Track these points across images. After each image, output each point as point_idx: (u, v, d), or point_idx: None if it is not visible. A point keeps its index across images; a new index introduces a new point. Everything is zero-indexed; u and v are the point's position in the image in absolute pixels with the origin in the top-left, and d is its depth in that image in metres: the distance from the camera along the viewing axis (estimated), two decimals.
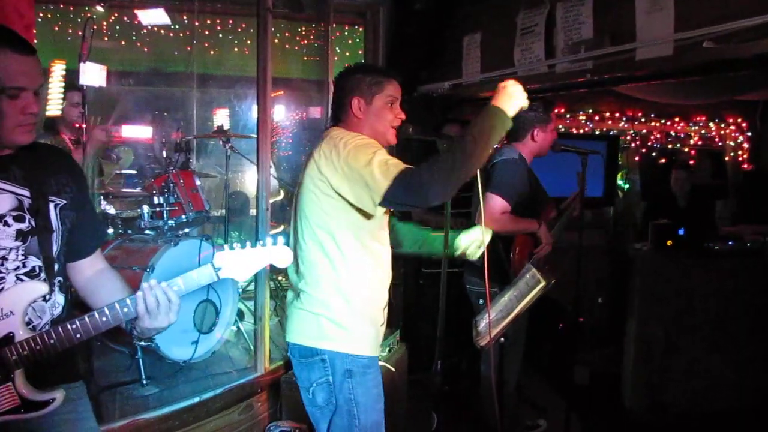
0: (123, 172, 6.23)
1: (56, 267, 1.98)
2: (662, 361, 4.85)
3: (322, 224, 2.50)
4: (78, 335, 1.84)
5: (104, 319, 1.85)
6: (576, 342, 5.06)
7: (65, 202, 2.01)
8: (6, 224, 1.87)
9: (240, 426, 4.01)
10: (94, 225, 2.19)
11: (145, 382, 4.04)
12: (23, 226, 1.90)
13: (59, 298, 2.00)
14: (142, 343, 1.95)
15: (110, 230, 4.73)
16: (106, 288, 2.10)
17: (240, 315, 4.97)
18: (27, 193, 1.92)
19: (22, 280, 1.88)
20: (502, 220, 3.71)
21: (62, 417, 1.95)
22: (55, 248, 1.97)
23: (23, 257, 1.89)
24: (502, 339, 3.25)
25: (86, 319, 1.84)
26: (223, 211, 5.81)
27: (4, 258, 1.86)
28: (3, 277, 1.86)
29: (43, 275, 1.93)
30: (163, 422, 3.62)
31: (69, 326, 1.83)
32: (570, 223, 4.16)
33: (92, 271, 2.16)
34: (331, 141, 2.46)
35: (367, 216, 2.48)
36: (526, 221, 3.82)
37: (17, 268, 1.88)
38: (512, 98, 2.38)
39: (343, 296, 2.51)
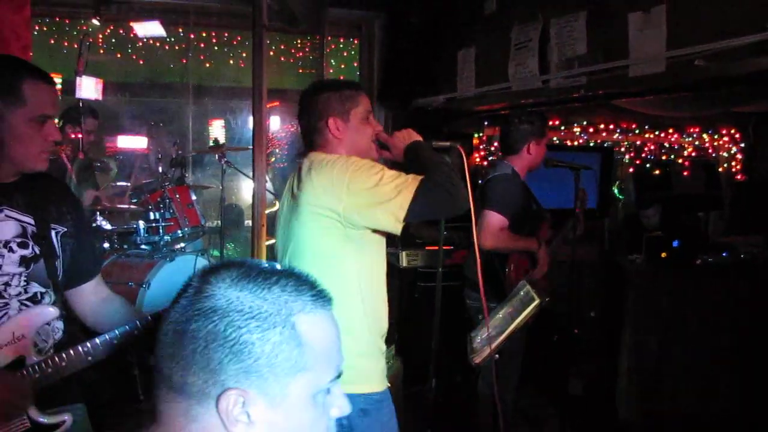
0: (116, 183, 6.24)
1: (59, 293, 2.00)
2: (656, 371, 4.86)
3: (320, 259, 2.34)
4: (90, 357, 1.86)
5: (116, 341, 1.88)
6: (570, 353, 5.07)
7: (66, 229, 2.04)
8: (11, 250, 1.89)
9: None
10: (92, 251, 2.23)
11: (141, 398, 4.04)
12: (26, 252, 1.92)
13: (59, 323, 2.02)
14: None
15: (106, 245, 4.73)
16: (116, 313, 2.12)
17: None
18: (30, 220, 1.94)
19: (26, 306, 1.90)
20: (502, 237, 3.69)
21: None
22: (58, 275, 1.99)
23: (25, 283, 1.91)
24: (497, 356, 3.26)
25: (97, 341, 1.87)
26: (218, 221, 5.83)
27: (7, 284, 1.88)
28: (7, 303, 1.87)
29: (47, 299, 1.95)
30: None
31: (81, 349, 1.85)
32: (566, 240, 4.15)
33: (98, 298, 2.18)
34: (322, 170, 2.32)
35: (372, 242, 2.38)
36: (526, 240, 3.80)
37: (19, 294, 1.90)
38: (409, 135, 2.46)
39: (353, 336, 2.30)
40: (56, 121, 4.85)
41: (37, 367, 1.82)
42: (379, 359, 2.47)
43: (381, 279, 2.49)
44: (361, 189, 2.22)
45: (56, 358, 1.83)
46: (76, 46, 4.94)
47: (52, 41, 7.00)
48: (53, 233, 2.00)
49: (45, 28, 6.93)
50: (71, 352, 1.84)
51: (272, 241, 5.15)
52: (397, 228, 2.24)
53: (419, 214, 2.22)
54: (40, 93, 1.85)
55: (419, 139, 2.43)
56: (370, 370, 2.41)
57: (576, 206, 3.97)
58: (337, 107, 2.45)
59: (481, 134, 6.77)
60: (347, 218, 2.26)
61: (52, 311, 1.91)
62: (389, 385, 2.52)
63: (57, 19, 7.02)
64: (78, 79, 4.73)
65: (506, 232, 3.72)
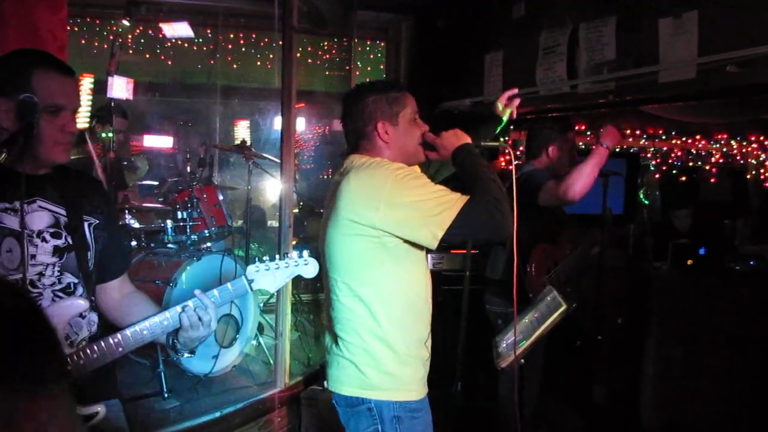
0: (143, 182, 6.30)
1: (91, 285, 2.03)
2: (681, 381, 4.83)
3: (356, 268, 2.32)
4: (120, 348, 1.89)
5: (146, 332, 1.91)
6: (594, 360, 5.03)
7: (98, 221, 2.07)
8: (44, 240, 1.92)
9: None
10: (122, 247, 2.27)
11: (166, 395, 4.08)
12: (60, 242, 1.95)
13: (93, 316, 2.05)
14: (184, 353, 2.00)
15: (133, 243, 4.78)
16: (140, 309, 2.13)
17: (260, 329, 5.00)
18: (63, 212, 1.97)
19: (59, 296, 1.93)
20: (570, 179, 3.40)
21: None
22: (90, 266, 2.02)
23: (59, 273, 1.94)
24: (522, 361, 3.25)
25: (128, 332, 1.89)
26: (242, 222, 5.86)
27: (41, 274, 1.91)
28: (40, 293, 1.90)
29: (79, 291, 1.98)
30: None
31: (111, 340, 1.87)
32: (586, 256, 4.11)
33: (121, 294, 2.20)
34: (365, 176, 2.28)
35: (409, 250, 2.33)
36: (591, 157, 3.43)
37: (53, 284, 1.93)
38: (456, 136, 2.40)
39: (385, 343, 2.34)
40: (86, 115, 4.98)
41: (68, 359, 1.84)
42: (418, 368, 2.44)
43: (420, 286, 2.46)
44: (402, 202, 2.18)
45: (87, 350, 1.86)
46: (106, 46, 4.99)
47: (83, 41, 7.09)
48: (86, 224, 2.03)
49: (76, 29, 7.01)
50: (102, 343, 1.86)
51: (294, 242, 5.22)
52: (432, 245, 2.21)
53: (458, 235, 2.19)
54: (51, 83, 1.86)
55: (468, 141, 2.38)
56: (407, 378, 2.39)
57: (607, 225, 3.94)
58: (385, 111, 2.40)
59: (506, 138, 6.75)
60: (383, 228, 2.23)
61: (83, 303, 1.94)
62: (427, 393, 2.49)
63: (88, 20, 7.10)
64: (110, 79, 4.79)
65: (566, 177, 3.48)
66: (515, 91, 2.98)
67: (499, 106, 2.94)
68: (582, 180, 3.35)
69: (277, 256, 2.03)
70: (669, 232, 5.82)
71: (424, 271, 2.48)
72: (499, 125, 2.92)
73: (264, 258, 2.02)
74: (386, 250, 2.28)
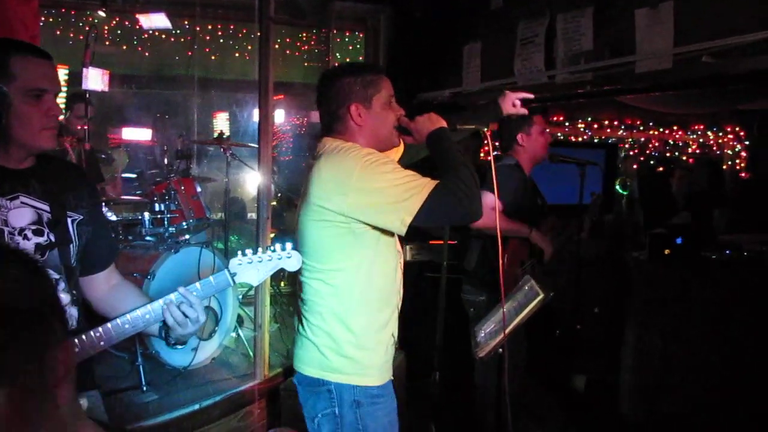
0: (123, 175, 6.26)
1: (73, 279, 2.01)
2: (659, 368, 4.87)
3: (325, 252, 2.31)
4: (102, 342, 1.85)
5: (127, 326, 1.87)
6: (573, 349, 5.07)
7: (81, 217, 2.04)
8: (25, 237, 1.89)
9: None
10: (108, 239, 2.23)
11: (145, 388, 4.07)
12: (41, 240, 1.92)
13: (73, 310, 2.02)
14: (176, 344, 1.99)
15: (112, 235, 4.74)
16: (129, 300, 2.10)
17: (240, 321, 4.99)
18: (46, 208, 1.94)
19: None
20: (491, 216, 3.61)
21: None
22: (72, 261, 1.99)
23: None
24: (500, 350, 3.26)
25: (109, 325, 1.86)
26: (221, 214, 5.83)
27: None
28: None
29: (61, 286, 1.95)
30: (163, 429, 3.65)
31: (93, 334, 1.84)
32: (571, 240, 4.13)
33: (109, 285, 2.17)
34: (334, 161, 2.26)
35: (379, 237, 2.31)
36: (518, 224, 3.73)
37: None
38: (430, 120, 2.38)
39: (347, 327, 2.33)
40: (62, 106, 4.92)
41: None
42: (380, 353, 2.43)
43: (389, 273, 2.44)
44: (370, 188, 2.16)
45: None
46: (81, 37, 4.93)
47: (59, 32, 7.01)
48: (69, 220, 2.00)
49: (51, 19, 6.94)
50: (83, 337, 1.83)
51: (272, 235, 5.20)
52: (401, 231, 2.19)
53: (427, 220, 2.16)
54: (30, 66, 1.82)
55: (442, 125, 2.36)
56: (367, 364, 2.38)
57: (593, 213, 3.96)
58: (359, 93, 2.35)
59: (486, 129, 6.76)
60: (351, 214, 2.21)
61: (63, 297, 1.92)
62: (390, 379, 2.49)
63: (63, 11, 7.03)
64: (84, 70, 4.73)
65: (499, 213, 3.64)
66: (531, 96, 2.98)
67: (508, 102, 2.91)
68: (490, 226, 3.26)
69: (260, 249, 2.00)
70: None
71: (394, 258, 2.47)
72: (493, 116, 2.90)
73: (247, 251, 1.98)
74: (355, 236, 2.26)
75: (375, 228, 2.27)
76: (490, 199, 3.66)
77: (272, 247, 2.01)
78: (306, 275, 2.38)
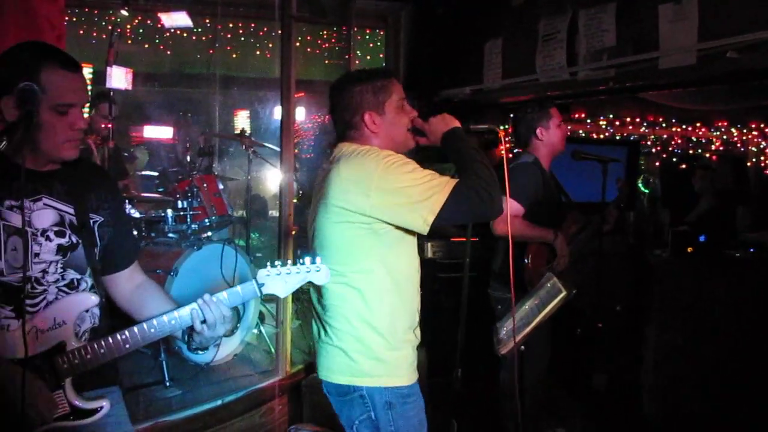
0: (143, 173, 6.31)
1: (97, 279, 2.04)
2: (681, 368, 4.84)
3: (347, 254, 2.31)
4: (127, 345, 1.89)
5: (153, 330, 1.91)
6: (594, 348, 5.04)
7: (103, 219, 2.06)
8: (48, 239, 1.92)
9: (261, 429, 4.05)
10: (130, 238, 2.26)
11: (168, 383, 4.09)
12: (63, 241, 1.94)
13: (96, 309, 2.04)
14: (198, 349, 2.02)
15: (134, 233, 4.78)
16: (153, 300, 2.13)
17: (261, 318, 5.01)
18: (70, 209, 1.97)
19: (64, 292, 1.94)
20: (515, 224, 3.64)
21: (102, 420, 1.99)
22: (95, 262, 2.02)
23: (62, 270, 1.94)
24: (523, 347, 3.25)
25: (135, 329, 1.89)
26: (243, 212, 5.85)
27: (45, 271, 1.91)
28: (45, 289, 1.91)
29: (83, 285, 1.99)
30: (186, 424, 3.67)
31: (119, 336, 1.88)
32: (597, 234, 4.10)
33: (132, 285, 2.20)
34: (354, 163, 2.27)
35: (401, 237, 2.33)
36: (542, 230, 3.73)
37: (57, 280, 1.93)
38: (444, 120, 2.39)
39: (375, 329, 2.34)
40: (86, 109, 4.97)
41: (76, 352, 1.86)
42: (408, 353, 2.44)
43: (411, 272, 2.46)
44: (392, 188, 2.17)
45: (95, 345, 1.86)
46: (105, 36, 4.97)
47: (82, 32, 7.07)
48: (91, 222, 2.02)
49: (75, 19, 6.99)
50: (110, 339, 1.87)
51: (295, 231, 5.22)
52: (424, 230, 2.20)
53: (449, 219, 2.18)
54: (59, 80, 1.83)
55: (457, 125, 2.38)
56: (397, 364, 2.39)
57: (620, 200, 3.94)
58: (371, 101, 2.38)
59: (506, 126, 6.74)
60: (374, 215, 2.22)
61: (94, 299, 1.95)
62: (417, 378, 2.50)
63: (86, 10, 7.08)
64: (108, 69, 4.77)
65: (520, 219, 3.68)
66: None
67: None
68: (513, 234, 3.35)
69: (289, 261, 2.00)
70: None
71: (415, 257, 2.48)
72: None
73: (276, 262, 1.99)
74: (377, 237, 2.28)
75: (397, 228, 2.29)
76: (514, 206, 3.67)
77: (301, 260, 2.02)
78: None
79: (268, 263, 2.00)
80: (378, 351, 2.35)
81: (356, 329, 2.34)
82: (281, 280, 1.99)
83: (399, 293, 2.39)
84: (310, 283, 2.06)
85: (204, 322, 1.94)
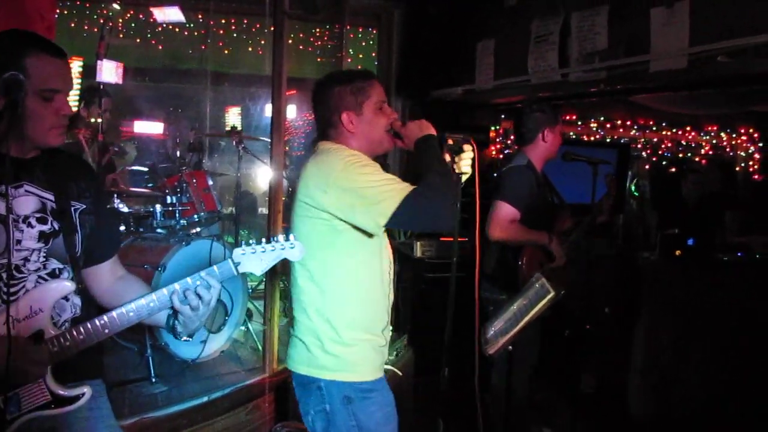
0: (132, 168, 6.28)
1: (77, 269, 2.02)
2: (669, 369, 4.85)
3: (311, 248, 2.30)
4: (107, 330, 1.87)
5: (131, 314, 1.89)
6: (583, 349, 5.05)
7: (85, 206, 2.06)
8: (30, 225, 1.91)
9: (247, 426, 4.03)
10: (112, 231, 2.26)
11: (154, 379, 4.08)
12: (45, 228, 1.93)
13: (77, 299, 2.03)
14: (182, 336, 2.02)
15: (122, 228, 4.76)
16: (133, 291, 2.10)
17: (249, 315, 5.00)
18: (50, 197, 1.96)
19: (44, 280, 1.92)
20: (511, 229, 3.68)
21: (84, 414, 1.99)
22: (77, 251, 2.01)
23: (44, 259, 1.93)
24: (510, 347, 3.25)
25: (113, 313, 1.88)
26: (232, 208, 5.84)
27: (27, 259, 1.90)
28: (25, 278, 1.89)
29: (65, 275, 1.97)
30: (171, 421, 3.65)
31: (97, 322, 1.86)
32: (591, 230, 4.10)
33: (113, 278, 2.19)
34: (320, 161, 2.37)
35: (362, 236, 2.35)
36: (537, 233, 3.75)
37: (38, 269, 1.92)
38: (420, 127, 2.41)
39: (331, 324, 2.38)
40: (75, 99, 4.94)
41: (55, 340, 1.84)
42: (368, 351, 2.46)
43: (374, 272, 2.48)
44: (348, 187, 2.23)
45: (74, 332, 1.84)
46: (96, 30, 4.95)
47: (73, 24, 7.04)
48: (72, 209, 2.02)
49: (66, 11, 6.96)
50: (88, 325, 1.85)
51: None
52: (377, 232, 2.27)
53: (400, 224, 2.23)
54: (44, 66, 1.83)
55: (431, 133, 2.40)
56: (353, 361, 2.41)
57: (610, 194, 3.96)
58: (349, 100, 2.45)
59: (497, 127, 6.75)
60: (330, 211, 2.28)
61: (69, 285, 1.93)
62: (383, 375, 2.53)
63: (78, 3, 7.06)
64: (99, 62, 4.75)
65: (516, 224, 3.70)
66: None
67: None
68: (509, 239, 3.69)
69: (263, 240, 2.03)
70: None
71: (382, 257, 2.51)
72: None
73: (251, 241, 2.02)
74: (338, 233, 2.33)
75: (355, 227, 2.33)
76: (507, 211, 3.68)
77: (275, 238, 2.04)
78: (295, 274, 2.46)
79: (243, 243, 2.02)
80: (330, 346, 2.40)
81: (313, 323, 2.41)
82: (256, 258, 2.00)
83: (359, 291, 2.44)
84: (286, 259, 2.06)
85: (185, 301, 1.93)
